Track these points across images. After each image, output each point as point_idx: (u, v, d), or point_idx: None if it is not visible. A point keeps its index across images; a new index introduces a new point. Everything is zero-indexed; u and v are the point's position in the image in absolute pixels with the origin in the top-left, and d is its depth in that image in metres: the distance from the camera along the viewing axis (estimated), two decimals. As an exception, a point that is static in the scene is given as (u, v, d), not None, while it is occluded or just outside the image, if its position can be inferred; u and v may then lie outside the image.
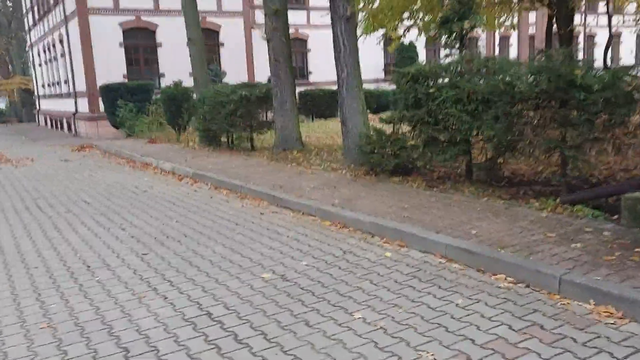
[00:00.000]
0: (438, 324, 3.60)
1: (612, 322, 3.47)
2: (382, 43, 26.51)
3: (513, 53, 31.12)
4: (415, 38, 17.87)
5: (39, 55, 32.15)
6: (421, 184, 7.69)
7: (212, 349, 3.42)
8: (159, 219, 7.13)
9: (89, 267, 5.21)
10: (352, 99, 9.49)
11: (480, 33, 31.05)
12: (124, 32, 22.30)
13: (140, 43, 22.91)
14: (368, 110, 10.36)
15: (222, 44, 24.39)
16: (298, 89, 13.10)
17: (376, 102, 23.84)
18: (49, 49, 28.89)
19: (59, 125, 28.79)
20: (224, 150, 13.44)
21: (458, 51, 7.28)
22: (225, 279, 4.66)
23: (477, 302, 3.91)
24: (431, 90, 7.01)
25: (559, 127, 5.67)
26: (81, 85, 22.72)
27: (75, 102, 24.36)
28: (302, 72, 27.19)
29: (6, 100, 43.98)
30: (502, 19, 15.59)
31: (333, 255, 5.17)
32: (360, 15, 12.50)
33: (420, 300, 4.00)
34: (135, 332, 3.71)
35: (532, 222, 5.40)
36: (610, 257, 4.30)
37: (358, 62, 9.57)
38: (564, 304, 3.79)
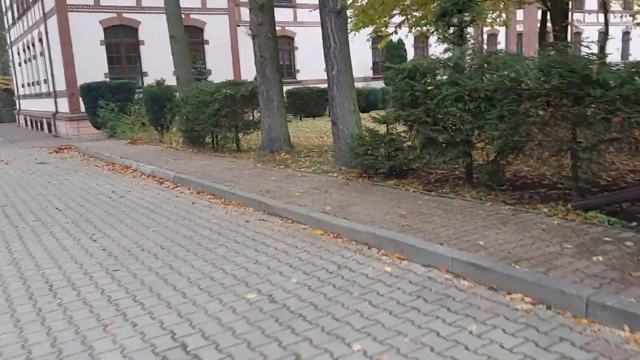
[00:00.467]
0: (451, 357, 3.08)
1: (655, 354, 2.99)
2: (370, 41, 26.36)
3: (501, 51, 30.79)
4: (405, 35, 17.43)
5: (18, 54, 31.30)
6: (418, 188, 7.18)
7: (185, 393, 2.89)
8: (134, 228, 6.56)
9: (51, 287, 4.63)
10: (344, 98, 8.96)
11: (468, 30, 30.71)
12: (105, 29, 21.60)
13: (122, 41, 22.22)
14: (358, 109, 9.84)
15: (207, 42, 23.77)
16: (286, 88, 12.59)
17: (365, 100, 23.39)
18: (28, 47, 28.08)
19: (39, 126, 28.00)
20: (208, 151, 12.86)
21: (457, 46, 6.75)
22: (204, 301, 4.11)
23: (494, 328, 3.39)
24: (429, 88, 6.50)
25: (572, 127, 5.17)
26: (61, 85, 22.01)
27: (55, 102, 23.63)
28: (290, 71, 26.66)
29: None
30: (494, 15, 15.21)
31: (326, 270, 4.64)
32: (350, 12, 12.00)
33: (428, 326, 3.48)
34: (96, 370, 3.16)
35: (544, 231, 4.90)
36: (640, 273, 3.81)
37: (349, 59, 9.04)
38: (594, 330, 3.29)
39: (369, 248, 5.15)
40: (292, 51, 26.93)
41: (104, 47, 21.59)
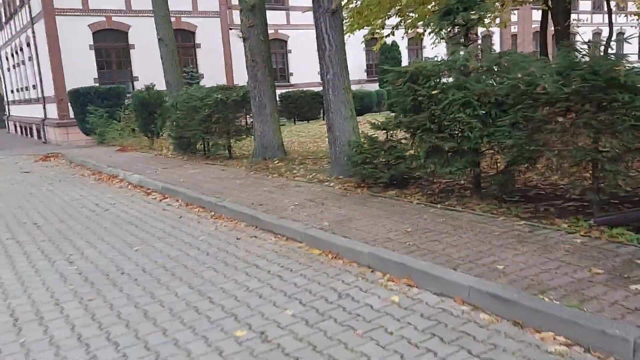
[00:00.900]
0: (479, 419, 2.57)
1: None
2: (364, 43, 25.90)
3: (496, 52, 30.46)
4: (402, 37, 16.99)
5: (7, 59, 30.69)
6: (422, 199, 6.68)
7: None
8: (116, 247, 6.03)
9: (16, 321, 4.10)
10: (340, 103, 8.45)
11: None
12: (94, 33, 21.06)
13: (111, 45, 21.68)
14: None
15: (199, 46, 23.25)
16: (279, 91, 12.08)
17: (359, 103, 22.89)
18: (16, 52, 27.49)
19: (28, 133, 27.40)
20: (199, 159, 12.33)
21: (464, 47, 6.25)
22: (187, 340, 3.59)
23: (524, 377, 2.89)
24: (434, 92, 5.99)
25: (595, 135, 4.68)
26: (49, 90, 21.45)
27: (44, 108, 23.07)
28: (283, 74, 26.14)
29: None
30: (492, 15, 14.77)
31: (326, 300, 4.12)
32: (344, 13, 11.52)
33: (447, 374, 2.98)
34: None
35: (568, 252, 4.41)
36: (687, 305, 3.32)
37: (345, 61, 8.54)
38: (644, 380, 2.80)
39: (372, 272, 4.64)
40: (286, 54, 26.43)
41: (93, 51, 21.05)
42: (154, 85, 16.47)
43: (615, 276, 3.84)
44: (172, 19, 16.72)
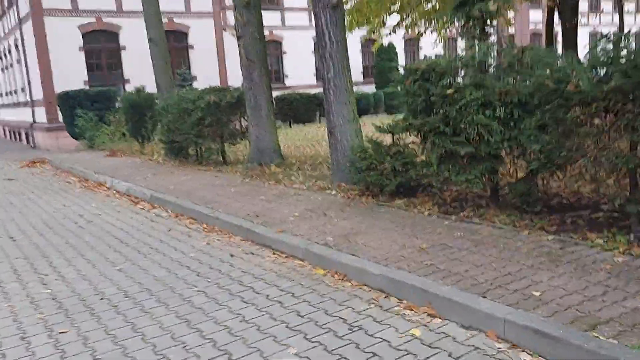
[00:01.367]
0: None
1: None
2: (360, 44, 25.38)
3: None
4: (402, 37, 16.45)
5: (-5, 62, 30.02)
6: (433, 210, 6.11)
7: None
8: (97, 265, 5.43)
9: (-29, 362, 3.52)
10: (341, 105, 7.88)
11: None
12: (84, 35, 20.45)
13: (102, 47, 21.07)
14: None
15: (192, 47, 22.65)
16: (274, 93, 11.44)
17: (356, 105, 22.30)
18: (5, 55, 26.84)
19: (17, 137, 26.72)
20: (192, 164, 11.72)
21: (479, 41, 5.69)
22: (171, 389, 3.01)
23: None
24: (449, 92, 5.42)
25: (638, 139, 4.12)
26: (38, 94, 20.81)
27: (33, 112, 22.44)
28: (278, 76, 25.54)
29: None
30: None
31: (334, 333, 3.53)
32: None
33: None
34: None
35: (610, 274, 3.84)
36: None
37: (347, 60, 7.96)
38: None
39: (386, 297, 4.06)
40: (281, 56, 25.85)
41: (82, 53, 20.45)
42: (145, 87, 15.86)
43: (676, 305, 3.28)
44: (165, 20, 16.13)
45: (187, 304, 4.23)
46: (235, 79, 20.84)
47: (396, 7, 12.78)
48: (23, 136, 25.24)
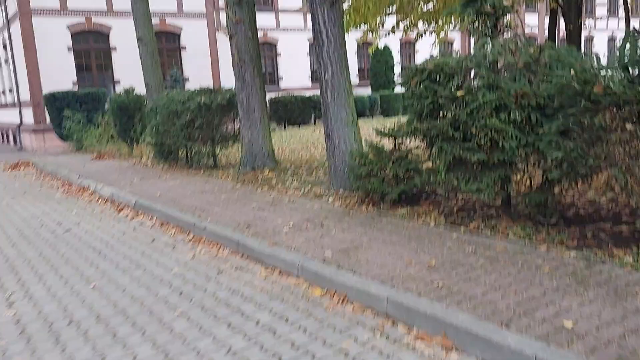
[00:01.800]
0: None
1: None
2: (356, 46, 24.94)
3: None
4: (399, 38, 16.02)
5: (-17, 62, 29.38)
6: (439, 220, 5.63)
7: None
8: (70, 282, 4.91)
9: None
10: (340, 107, 7.39)
11: (455, 36, 29.48)
12: (72, 35, 19.89)
13: (91, 47, 20.50)
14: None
15: (184, 48, 22.12)
16: (268, 95, 10.96)
17: (354, 108, 21.88)
18: (-7, 55, 26.23)
19: (5, 139, 26.09)
20: (181, 168, 11.20)
21: (491, 39, 5.21)
22: None
23: None
24: (459, 94, 4.94)
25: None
26: (26, 94, 20.23)
27: (20, 113, 21.83)
28: (273, 78, 25.05)
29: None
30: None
31: (335, 370, 3.04)
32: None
33: None
34: None
35: (649, 300, 3.37)
36: None
37: (346, 59, 7.49)
38: None
39: (393, 324, 3.56)
40: (275, 58, 25.35)
41: (72, 53, 19.88)
42: (135, 88, 15.35)
43: None
44: (156, 20, 15.61)
45: (165, 331, 3.72)
46: (229, 80, 20.30)
47: (394, 7, 12.37)
48: (10, 138, 24.64)
